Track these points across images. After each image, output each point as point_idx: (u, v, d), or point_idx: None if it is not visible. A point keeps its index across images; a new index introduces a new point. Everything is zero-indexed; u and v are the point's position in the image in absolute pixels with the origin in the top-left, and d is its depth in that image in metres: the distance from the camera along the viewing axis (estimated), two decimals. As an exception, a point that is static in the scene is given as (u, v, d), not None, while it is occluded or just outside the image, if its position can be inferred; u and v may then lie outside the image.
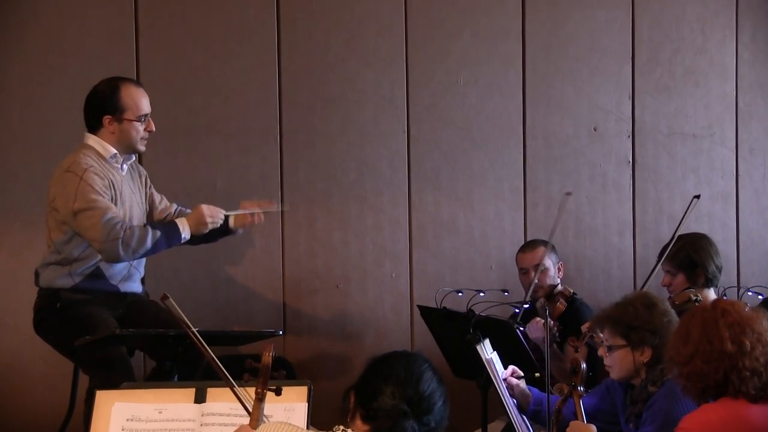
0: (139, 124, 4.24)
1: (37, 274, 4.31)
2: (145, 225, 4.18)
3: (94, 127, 4.26)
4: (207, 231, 4.28)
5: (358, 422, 2.64)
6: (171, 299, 3.15)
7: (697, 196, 4.93)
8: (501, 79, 5.39)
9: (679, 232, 4.76)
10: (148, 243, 4.09)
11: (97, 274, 4.24)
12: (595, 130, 5.50)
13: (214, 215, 4.28)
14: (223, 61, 5.13)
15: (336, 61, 5.23)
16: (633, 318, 3.67)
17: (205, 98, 5.10)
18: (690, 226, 5.42)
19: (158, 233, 4.13)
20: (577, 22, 5.46)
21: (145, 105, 4.27)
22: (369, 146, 5.28)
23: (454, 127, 5.35)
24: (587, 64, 5.48)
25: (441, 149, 5.34)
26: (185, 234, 4.23)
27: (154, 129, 4.30)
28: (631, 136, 5.53)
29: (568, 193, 4.93)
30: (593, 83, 5.49)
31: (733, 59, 5.62)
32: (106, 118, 4.22)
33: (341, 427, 2.65)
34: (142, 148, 4.32)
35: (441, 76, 5.33)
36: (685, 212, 4.87)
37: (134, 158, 4.42)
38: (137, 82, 4.42)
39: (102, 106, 4.23)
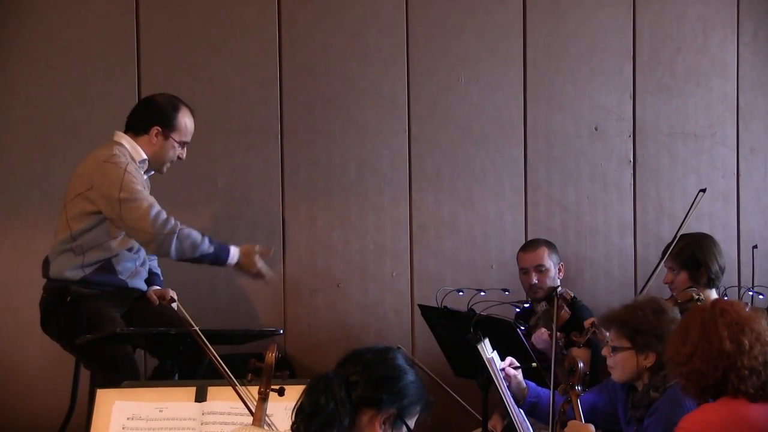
0: (179, 148, 4.30)
1: (46, 264, 4.25)
2: (203, 234, 4.16)
3: (137, 131, 4.27)
4: (250, 274, 4.29)
5: None
6: (176, 300, 3.15)
7: (703, 190, 4.95)
8: (502, 78, 5.39)
9: (683, 229, 4.75)
10: (197, 252, 4.11)
11: (107, 268, 4.22)
12: (596, 129, 5.49)
13: (261, 266, 4.29)
14: (224, 60, 5.13)
15: (337, 60, 5.24)
16: (641, 322, 3.65)
17: (206, 97, 5.10)
18: (690, 226, 5.40)
19: (212, 249, 4.13)
20: (578, 21, 5.45)
21: (191, 133, 4.33)
22: (370, 145, 5.28)
23: (455, 126, 5.35)
24: (588, 63, 5.47)
25: (442, 148, 5.34)
26: (231, 261, 4.22)
27: (184, 158, 4.34)
28: (632, 136, 5.53)
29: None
30: (594, 82, 5.48)
31: (734, 58, 5.61)
32: (155, 129, 4.25)
33: None
34: (164, 170, 4.37)
35: (442, 74, 5.32)
36: (691, 206, 4.85)
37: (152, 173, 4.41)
38: (192, 110, 4.40)
39: (158, 116, 4.26)
